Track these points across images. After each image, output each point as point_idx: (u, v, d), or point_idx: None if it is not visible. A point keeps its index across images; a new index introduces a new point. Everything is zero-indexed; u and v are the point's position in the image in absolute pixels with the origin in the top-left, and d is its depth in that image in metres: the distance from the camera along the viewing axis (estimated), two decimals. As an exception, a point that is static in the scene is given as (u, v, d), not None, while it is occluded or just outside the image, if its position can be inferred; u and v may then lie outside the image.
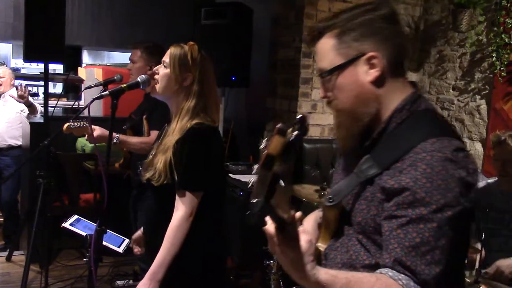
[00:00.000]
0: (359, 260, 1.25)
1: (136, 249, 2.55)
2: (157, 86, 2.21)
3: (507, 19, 4.07)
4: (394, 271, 1.12)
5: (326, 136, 4.42)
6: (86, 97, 5.28)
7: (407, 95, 1.29)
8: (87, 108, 2.24)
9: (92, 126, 2.73)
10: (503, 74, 4.13)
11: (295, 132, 1.04)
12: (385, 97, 1.28)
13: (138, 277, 3.93)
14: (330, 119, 4.42)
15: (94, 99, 2.21)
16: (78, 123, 2.73)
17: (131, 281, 4.04)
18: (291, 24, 4.36)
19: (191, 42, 2.23)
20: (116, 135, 2.84)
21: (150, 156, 2.21)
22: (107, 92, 2.21)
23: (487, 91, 4.36)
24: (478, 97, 4.44)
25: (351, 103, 1.28)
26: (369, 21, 1.26)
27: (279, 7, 4.53)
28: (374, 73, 1.26)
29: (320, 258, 1.34)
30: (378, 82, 1.26)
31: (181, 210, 2.07)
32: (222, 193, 2.35)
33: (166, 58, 2.21)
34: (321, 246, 1.36)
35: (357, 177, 1.26)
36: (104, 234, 2.18)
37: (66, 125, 2.75)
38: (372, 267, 1.20)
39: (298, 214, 1.13)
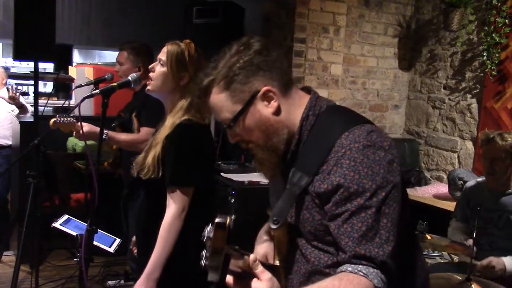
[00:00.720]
0: (322, 263, 1.30)
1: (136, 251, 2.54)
2: (152, 84, 2.18)
3: (497, 18, 4.09)
4: (352, 265, 1.18)
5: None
6: (76, 96, 5.24)
7: (306, 103, 1.35)
8: (78, 107, 2.23)
9: (82, 123, 2.72)
10: (494, 73, 4.16)
11: (233, 217, 1.16)
12: (290, 118, 1.34)
13: (130, 277, 3.93)
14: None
15: (84, 98, 2.19)
16: (65, 118, 2.70)
17: (122, 281, 4.02)
18: (283, 23, 4.36)
19: (187, 40, 2.21)
20: (106, 132, 2.81)
21: (144, 153, 2.20)
22: (98, 91, 2.20)
23: (478, 90, 4.38)
24: (469, 96, 4.46)
25: (263, 139, 1.34)
26: (248, 61, 1.30)
27: (270, 6, 4.52)
28: (273, 104, 1.31)
29: (282, 274, 1.36)
30: (279, 111, 1.32)
31: (172, 207, 2.07)
32: (213, 192, 2.35)
33: (162, 56, 2.18)
34: (279, 263, 1.40)
35: (291, 191, 1.30)
36: (95, 234, 2.16)
37: (52, 120, 2.71)
38: (336, 265, 1.25)
39: (252, 257, 1.22)
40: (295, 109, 1.35)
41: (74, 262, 2.22)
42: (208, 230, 1.21)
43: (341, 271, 1.19)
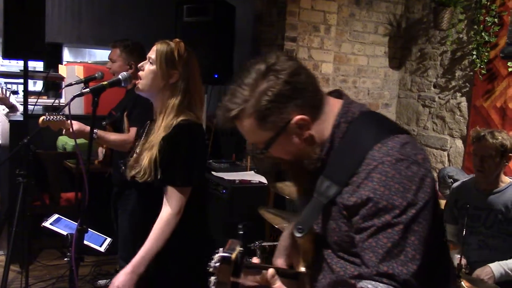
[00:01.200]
0: (347, 273, 1.28)
1: None
2: (142, 83, 2.17)
3: (487, 18, 4.12)
4: (373, 282, 1.16)
5: (309, 133, 4.42)
6: (66, 94, 5.22)
7: (338, 110, 1.32)
8: (68, 106, 2.21)
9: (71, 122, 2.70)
10: (483, 71, 4.18)
11: (240, 250, 1.15)
12: (321, 136, 1.31)
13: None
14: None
15: (74, 97, 2.18)
16: (55, 116, 2.69)
17: (113, 281, 4.01)
18: (274, 22, 4.36)
19: (177, 39, 2.21)
20: (95, 131, 2.80)
21: (135, 155, 2.20)
22: (88, 89, 2.18)
23: (467, 89, 4.41)
24: (458, 94, 4.49)
25: (295, 159, 1.33)
26: (278, 93, 1.25)
27: (261, 4, 4.52)
28: (306, 133, 1.29)
29: (308, 281, 1.36)
30: (311, 138, 1.30)
31: (170, 206, 2.07)
32: (205, 190, 2.35)
33: (152, 55, 2.18)
34: (305, 270, 1.37)
35: (318, 200, 1.28)
36: (85, 233, 2.15)
37: (41, 118, 2.69)
38: (361, 276, 1.23)
39: (270, 272, 1.23)
40: (327, 123, 1.31)
41: (64, 261, 2.21)
42: (214, 261, 1.17)
43: (361, 287, 1.17)
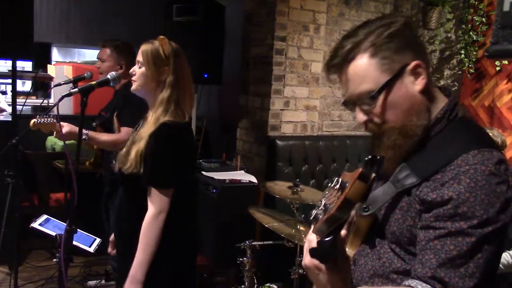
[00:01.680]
0: (392, 267, 1.24)
1: (110, 250, 2.53)
2: (135, 84, 2.21)
3: (475, 17, 4.14)
4: (423, 284, 1.12)
5: (299, 133, 4.44)
6: (55, 94, 5.19)
7: (446, 103, 1.26)
8: (56, 106, 2.21)
9: (61, 123, 2.70)
10: (471, 71, 4.22)
11: (373, 175, 1.06)
12: (432, 106, 1.25)
13: (110, 277, 3.90)
14: (303, 116, 4.45)
15: (63, 97, 2.17)
16: (46, 119, 2.69)
17: (103, 281, 3.99)
18: (263, 21, 4.36)
19: (161, 37, 2.23)
20: (86, 132, 2.81)
21: (126, 148, 2.20)
22: (77, 89, 2.18)
23: (456, 88, 4.44)
24: (447, 93, 4.51)
25: (403, 119, 1.23)
26: (399, 31, 1.22)
27: (251, 4, 4.52)
28: (421, 81, 1.22)
29: (348, 264, 1.31)
30: (426, 90, 1.23)
31: (150, 208, 2.08)
32: (194, 191, 2.35)
33: (139, 58, 2.21)
34: (350, 251, 1.34)
35: (393, 186, 1.23)
36: (74, 234, 2.15)
37: (32, 121, 2.69)
38: (405, 273, 1.21)
39: (343, 232, 1.17)
40: (436, 103, 1.26)
41: (53, 262, 2.20)
42: (339, 179, 1.10)
43: (410, 286, 1.13)
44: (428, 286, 1.11)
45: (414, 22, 4.64)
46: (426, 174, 1.18)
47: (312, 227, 1.14)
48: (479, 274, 1.10)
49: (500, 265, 2.70)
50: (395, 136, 1.23)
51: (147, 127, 2.13)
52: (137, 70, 2.20)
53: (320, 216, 1.10)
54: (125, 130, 2.89)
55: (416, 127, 1.22)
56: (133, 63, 3.12)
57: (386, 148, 1.25)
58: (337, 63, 1.26)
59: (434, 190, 1.15)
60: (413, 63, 1.21)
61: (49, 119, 2.69)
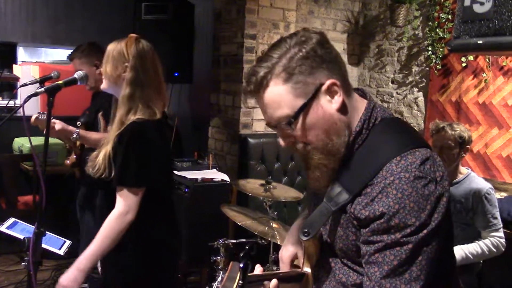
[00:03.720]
0: (350, 280, 1.27)
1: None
2: (102, 83, 2.23)
3: (441, 14, 4.22)
4: None
5: (271, 131, 4.43)
6: (22, 95, 5.07)
7: (363, 113, 1.27)
8: (22, 107, 2.15)
9: (54, 120, 2.69)
10: (438, 67, 4.29)
11: (238, 284, 1.08)
12: (350, 120, 1.25)
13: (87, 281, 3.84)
14: (274, 114, 4.45)
15: (28, 97, 2.12)
16: (45, 115, 2.66)
17: (75, 284, 3.93)
18: (233, 19, 4.36)
19: (131, 35, 2.22)
20: (76, 130, 2.81)
21: (97, 150, 2.17)
22: (43, 89, 2.13)
23: (424, 84, 4.51)
24: (415, 89, 4.59)
25: (324, 139, 1.23)
26: (312, 51, 1.19)
27: (220, 2, 4.51)
28: (338, 99, 1.22)
29: (311, 282, 1.36)
30: (343, 107, 1.23)
31: (117, 206, 2.06)
32: (170, 190, 2.33)
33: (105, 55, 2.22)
34: (308, 270, 1.37)
35: (328, 206, 1.25)
36: (43, 236, 2.10)
37: (34, 116, 2.71)
38: (362, 285, 1.23)
39: (273, 284, 1.21)
40: (354, 115, 1.26)
41: (22, 266, 2.15)
42: None
43: None
44: None
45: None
46: (356, 189, 1.20)
47: None
48: (424, 275, 1.14)
49: (470, 256, 2.76)
50: (318, 156, 1.24)
51: (113, 129, 2.11)
52: (102, 69, 2.22)
53: None
54: None
55: (338, 145, 1.23)
56: None
57: (313, 168, 1.26)
58: (252, 90, 1.23)
59: (365, 206, 1.18)
60: (328, 83, 1.20)
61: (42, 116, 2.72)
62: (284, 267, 1.44)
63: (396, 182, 1.14)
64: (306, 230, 1.25)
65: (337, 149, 1.23)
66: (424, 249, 1.14)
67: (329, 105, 1.21)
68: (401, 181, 1.14)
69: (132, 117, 2.09)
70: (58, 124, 2.74)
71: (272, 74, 1.20)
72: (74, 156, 3.18)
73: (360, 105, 1.28)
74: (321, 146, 1.23)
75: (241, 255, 1.06)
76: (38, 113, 2.74)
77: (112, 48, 2.19)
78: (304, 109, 1.20)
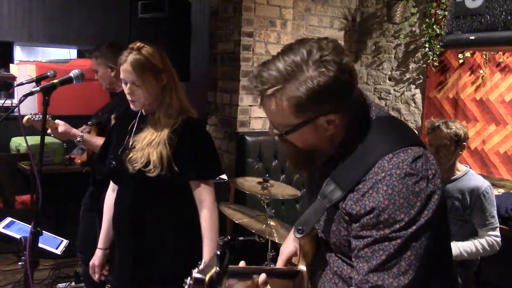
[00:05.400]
0: (344, 274, 1.29)
1: (98, 276, 2.40)
2: (138, 105, 2.13)
3: (438, 11, 4.22)
4: None
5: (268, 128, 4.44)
6: (19, 94, 5.06)
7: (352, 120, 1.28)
8: (18, 106, 2.15)
9: (56, 121, 2.69)
10: (436, 64, 4.29)
11: (215, 271, 1.06)
12: (343, 133, 1.28)
13: (80, 279, 3.84)
14: (272, 112, 4.45)
15: (24, 96, 2.13)
16: (39, 115, 2.64)
17: (73, 283, 3.93)
18: (230, 17, 4.35)
19: (138, 44, 2.11)
20: (80, 134, 2.78)
21: (134, 150, 2.13)
22: (38, 88, 2.14)
23: (421, 81, 4.51)
24: (413, 86, 4.59)
25: (309, 146, 1.29)
26: (325, 86, 1.16)
27: (217, 0, 4.50)
28: (333, 128, 1.24)
29: (306, 279, 1.37)
30: (336, 132, 1.26)
31: (208, 199, 2.15)
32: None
33: (130, 76, 2.07)
34: (303, 267, 1.38)
35: (322, 203, 1.27)
36: (39, 236, 2.10)
37: (26, 117, 2.66)
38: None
39: (262, 278, 1.20)
40: (349, 125, 1.28)
41: (20, 266, 2.15)
42: (188, 280, 1.11)
43: None
44: None
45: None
46: (349, 186, 1.22)
47: None
48: (413, 270, 1.15)
49: (464, 253, 2.76)
50: (297, 158, 1.34)
51: (161, 131, 2.10)
52: (135, 90, 2.09)
53: None
54: None
55: (324, 149, 1.30)
56: None
57: (293, 167, 1.38)
58: (258, 94, 1.25)
59: (356, 202, 1.20)
60: (329, 117, 1.22)
61: (37, 116, 2.66)
62: (280, 264, 1.47)
63: (387, 179, 1.16)
64: (300, 227, 1.27)
65: (323, 151, 1.31)
66: (413, 245, 1.15)
67: (323, 130, 1.25)
68: (392, 178, 1.16)
69: (182, 118, 2.13)
70: (61, 126, 2.71)
71: (281, 93, 1.19)
72: (85, 155, 3.16)
73: (353, 115, 1.28)
74: (307, 148, 1.31)
75: (220, 243, 1.05)
76: (31, 113, 2.69)
77: (140, 64, 2.06)
78: (299, 129, 1.24)
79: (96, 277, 2.39)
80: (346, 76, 1.19)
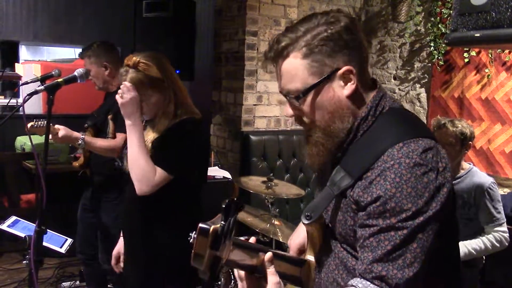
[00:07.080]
0: (347, 265, 1.28)
1: (118, 268, 2.42)
2: (150, 114, 2.15)
3: (443, 10, 4.20)
4: (363, 281, 1.14)
5: (272, 128, 4.44)
6: (24, 93, 5.08)
7: (370, 100, 1.28)
8: (22, 105, 2.16)
9: (57, 126, 2.68)
10: (441, 63, 4.28)
11: (221, 224, 1.05)
12: (358, 107, 1.27)
13: (84, 278, 3.85)
14: (276, 111, 4.45)
15: (28, 95, 2.13)
16: (42, 122, 2.65)
17: (77, 282, 3.94)
18: (234, 16, 4.35)
19: (133, 59, 2.09)
20: (81, 136, 2.78)
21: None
22: (42, 87, 2.14)
23: (426, 80, 4.49)
24: (418, 85, 4.57)
25: (327, 121, 1.26)
26: (337, 34, 1.21)
27: (222, -1, 4.51)
28: (350, 86, 1.24)
29: (312, 268, 1.36)
30: (354, 95, 1.25)
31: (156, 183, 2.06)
32: (201, 185, 2.36)
33: (128, 93, 2.06)
34: (311, 257, 1.37)
35: (330, 190, 1.26)
36: (44, 235, 2.11)
37: (29, 124, 2.65)
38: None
39: (268, 256, 1.17)
40: (364, 100, 1.27)
41: (25, 264, 2.15)
42: (194, 232, 1.11)
43: (352, 285, 1.15)
44: (368, 282, 1.13)
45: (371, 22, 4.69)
46: (358, 174, 1.20)
47: None
48: (418, 263, 1.12)
49: (473, 251, 2.75)
50: (318, 134, 1.28)
51: (154, 135, 2.12)
52: (145, 100, 2.10)
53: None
54: (121, 136, 2.83)
55: (339, 129, 1.26)
56: (116, 59, 3.05)
57: (311, 144, 1.30)
58: (272, 56, 1.27)
59: (364, 189, 1.18)
60: (344, 69, 1.22)
61: (44, 123, 2.65)
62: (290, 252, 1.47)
63: (396, 167, 1.14)
64: (308, 214, 1.26)
65: (337, 133, 1.26)
66: (420, 237, 1.12)
67: (340, 90, 1.24)
68: (401, 166, 1.14)
69: (179, 118, 2.12)
70: (62, 131, 2.71)
71: (294, 47, 1.23)
72: (82, 158, 3.17)
73: (370, 94, 1.29)
74: (323, 126, 1.27)
75: (226, 200, 1.06)
76: (34, 120, 2.69)
77: (137, 81, 2.06)
78: (315, 87, 1.23)
79: (121, 265, 2.39)
80: (356, 29, 1.24)
